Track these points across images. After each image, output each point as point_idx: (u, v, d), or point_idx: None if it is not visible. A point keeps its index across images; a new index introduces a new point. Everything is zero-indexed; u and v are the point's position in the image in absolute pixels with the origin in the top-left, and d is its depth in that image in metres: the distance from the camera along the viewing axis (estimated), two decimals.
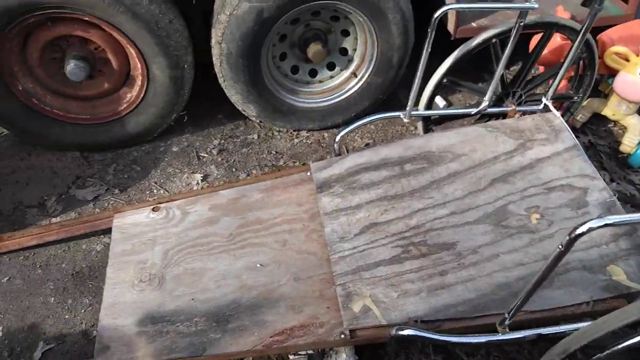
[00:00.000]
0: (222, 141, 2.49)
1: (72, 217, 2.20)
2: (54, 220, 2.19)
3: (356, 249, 1.70)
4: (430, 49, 1.73)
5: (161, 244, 1.92)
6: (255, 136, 2.51)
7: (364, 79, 2.39)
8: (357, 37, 2.33)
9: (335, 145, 1.98)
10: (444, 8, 1.64)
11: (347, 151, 2.35)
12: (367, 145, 2.41)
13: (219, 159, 2.41)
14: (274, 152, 2.43)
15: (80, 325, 1.87)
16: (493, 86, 1.95)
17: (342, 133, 1.96)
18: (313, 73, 2.45)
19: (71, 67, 2.14)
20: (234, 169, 2.36)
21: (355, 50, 2.38)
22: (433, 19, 1.64)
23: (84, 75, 2.17)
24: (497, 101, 2.07)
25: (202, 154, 2.43)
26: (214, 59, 2.18)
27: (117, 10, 1.95)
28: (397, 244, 1.70)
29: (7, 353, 1.80)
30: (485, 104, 1.99)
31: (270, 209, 1.94)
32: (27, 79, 2.21)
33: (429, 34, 1.68)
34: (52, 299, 1.94)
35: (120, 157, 2.43)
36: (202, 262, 1.83)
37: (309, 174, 2.01)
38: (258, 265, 1.78)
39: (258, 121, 2.45)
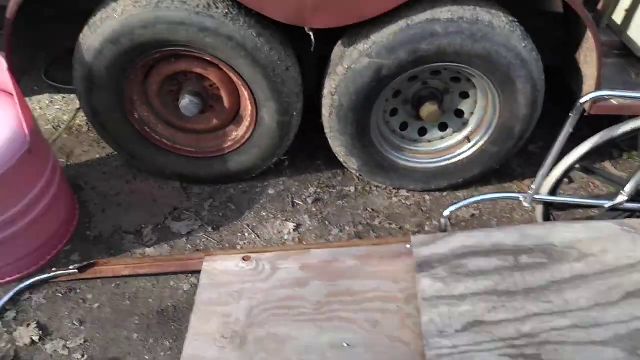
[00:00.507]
0: (319, 190, 2.42)
1: (165, 249, 2.22)
2: (147, 250, 2.23)
3: (456, 349, 1.53)
4: (571, 130, 1.53)
5: (247, 299, 1.86)
6: (353, 189, 2.41)
7: (478, 146, 2.21)
8: (477, 101, 2.16)
9: (442, 220, 1.82)
10: (595, 94, 1.44)
11: (450, 220, 2.17)
12: (472, 216, 2.22)
13: (313, 209, 2.34)
14: (370, 210, 2.31)
15: None
16: (636, 179, 1.69)
17: (452, 209, 1.80)
18: (422, 132, 2.31)
19: (186, 102, 2.17)
20: (326, 222, 2.28)
21: (472, 114, 2.21)
22: (578, 104, 1.44)
23: (196, 111, 2.20)
24: (637, 196, 1.80)
25: (297, 201, 2.37)
26: (323, 109, 2.12)
27: (239, 53, 1.95)
28: (505, 352, 1.50)
29: None
30: (622, 197, 1.74)
31: (364, 280, 1.82)
32: (143, 108, 2.29)
33: (571, 118, 1.48)
34: (136, 335, 1.96)
35: (218, 193, 2.44)
36: (287, 329, 1.74)
37: (408, 246, 1.86)
38: (344, 345, 1.66)
39: (358, 174, 2.35)
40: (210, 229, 2.29)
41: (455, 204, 1.83)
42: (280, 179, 2.48)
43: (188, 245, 2.24)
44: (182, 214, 2.36)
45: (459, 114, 2.24)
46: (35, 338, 1.94)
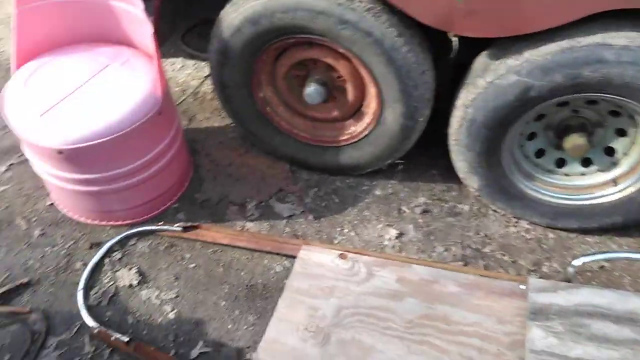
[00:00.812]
0: (429, 201, 2.28)
1: (264, 227, 2.24)
2: (248, 224, 2.25)
3: None
4: None
5: (338, 298, 1.81)
6: (467, 207, 2.24)
7: (625, 192, 1.92)
8: (637, 142, 1.88)
9: (570, 269, 1.61)
10: None
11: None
12: (601, 268, 1.92)
13: (420, 220, 2.21)
14: (483, 235, 2.13)
15: (238, 342, 1.87)
16: None
17: (585, 260, 1.59)
18: (560, 162, 2.07)
19: (310, 89, 2.15)
20: (432, 237, 2.14)
21: (626, 155, 1.93)
22: None
23: (319, 100, 2.17)
24: None
25: (404, 208, 2.26)
26: (452, 120, 1.97)
27: (375, 51, 1.88)
28: None
29: (172, 337, 1.89)
30: None
31: (465, 311, 1.68)
32: (268, 89, 2.30)
33: None
34: (223, 302, 1.99)
35: (324, 183, 2.40)
36: (373, 339, 1.66)
37: (523, 287, 1.68)
38: None
39: (476, 194, 2.17)
40: (311, 216, 2.26)
41: (590, 254, 1.61)
42: (390, 181, 2.37)
43: (287, 228, 2.23)
44: (287, 196, 2.35)
45: (609, 151, 1.97)
46: (134, 282, 2.05)
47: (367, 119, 2.20)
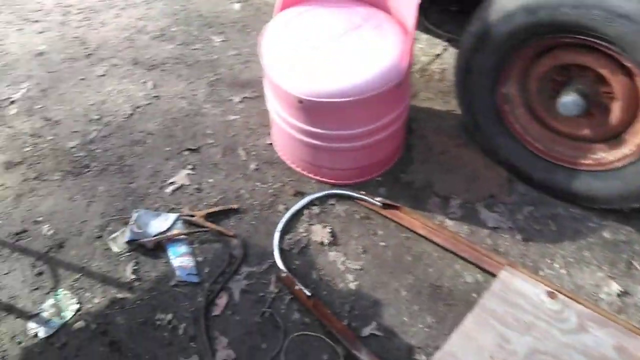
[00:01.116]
0: None
1: (464, 230, 2.10)
2: (447, 221, 2.14)
3: None
4: None
5: (535, 338, 1.62)
6: None
7: None
8: None
9: None
10: None
11: None
12: None
13: None
14: None
15: (411, 338, 1.81)
16: None
17: None
18: None
19: (568, 99, 1.89)
20: None
21: None
22: None
23: (575, 113, 1.90)
24: None
25: (636, 264, 1.91)
26: None
27: None
28: None
29: (348, 307, 1.90)
30: None
31: None
32: (514, 86, 2.09)
33: None
34: (405, 292, 1.93)
35: (542, 204, 2.14)
36: None
37: None
38: None
39: None
40: (519, 236, 2.05)
41: None
42: (625, 227, 2.02)
43: (488, 240, 2.06)
44: (496, 205, 2.16)
45: None
46: (325, 241, 2.10)
47: (627, 149, 1.87)
